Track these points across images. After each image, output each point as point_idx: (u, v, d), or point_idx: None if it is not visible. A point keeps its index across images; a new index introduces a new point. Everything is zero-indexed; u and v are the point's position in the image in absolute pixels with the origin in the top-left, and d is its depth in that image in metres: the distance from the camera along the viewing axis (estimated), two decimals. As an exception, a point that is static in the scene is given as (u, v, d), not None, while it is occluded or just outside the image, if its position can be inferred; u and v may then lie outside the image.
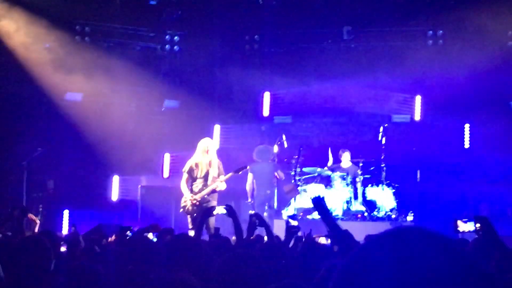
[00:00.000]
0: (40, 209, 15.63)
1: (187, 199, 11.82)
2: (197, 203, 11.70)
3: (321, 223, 5.23)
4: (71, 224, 15.11)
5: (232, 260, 3.94)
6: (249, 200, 14.08)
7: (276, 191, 14.36)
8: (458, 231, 5.88)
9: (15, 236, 7.67)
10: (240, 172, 11.94)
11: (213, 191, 11.84)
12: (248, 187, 14.17)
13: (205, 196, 11.75)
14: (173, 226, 14.61)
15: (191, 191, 11.88)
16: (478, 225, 5.24)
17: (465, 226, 5.84)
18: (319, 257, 5.21)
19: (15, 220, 7.66)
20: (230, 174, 11.88)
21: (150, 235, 7.56)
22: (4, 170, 15.20)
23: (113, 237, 8.24)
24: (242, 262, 3.91)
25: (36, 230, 8.68)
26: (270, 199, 14.19)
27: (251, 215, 7.15)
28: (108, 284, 3.95)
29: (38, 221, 8.74)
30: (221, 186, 11.83)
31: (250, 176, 14.13)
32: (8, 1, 14.68)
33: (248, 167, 12.09)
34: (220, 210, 7.22)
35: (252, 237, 7.05)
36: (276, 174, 14.14)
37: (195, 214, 11.39)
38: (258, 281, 3.83)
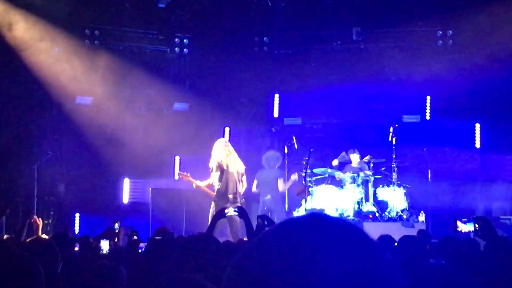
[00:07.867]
0: (51, 213, 15.72)
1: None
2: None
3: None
4: (80, 227, 15.15)
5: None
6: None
7: (287, 194, 14.49)
8: (458, 231, 5.88)
9: (18, 238, 7.66)
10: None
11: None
12: (253, 191, 14.38)
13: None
14: (184, 228, 14.68)
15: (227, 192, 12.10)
16: (477, 225, 5.24)
17: (465, 227, 5.83)
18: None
19: (20, 221, 7.64)
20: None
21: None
22: (15, 174, 15.23)
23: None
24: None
25: (40, 233, 8.60)
26: (271, 203, 14.20)
27: (258, 217, 7.17)
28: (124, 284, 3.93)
29: (40, 223, 8.66)
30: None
31: (255, 181, 14.23)
32: (18, 6, 14.71)
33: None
34: (231, 211, 7.20)
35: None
36: (278, 180, 14.21)
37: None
38: None
